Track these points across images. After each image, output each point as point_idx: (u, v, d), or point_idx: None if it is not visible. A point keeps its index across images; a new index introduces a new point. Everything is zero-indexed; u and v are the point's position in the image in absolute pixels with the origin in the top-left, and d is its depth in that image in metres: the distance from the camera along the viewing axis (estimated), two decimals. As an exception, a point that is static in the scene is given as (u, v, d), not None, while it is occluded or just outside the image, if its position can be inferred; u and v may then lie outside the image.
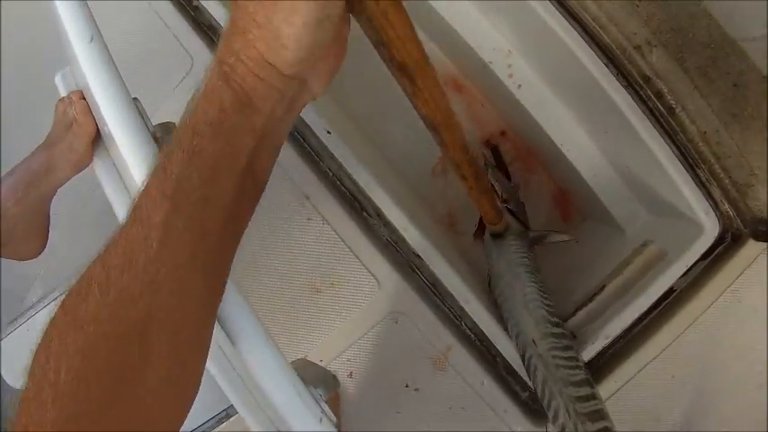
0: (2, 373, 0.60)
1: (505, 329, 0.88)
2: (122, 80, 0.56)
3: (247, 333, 0.45)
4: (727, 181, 0.91)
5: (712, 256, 0.90)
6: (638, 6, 0.86)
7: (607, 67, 0.89)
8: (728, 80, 0.82)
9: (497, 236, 0.95)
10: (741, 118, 0.84)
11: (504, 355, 0.87)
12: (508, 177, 1.19)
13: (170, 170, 0.35)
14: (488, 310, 0.89)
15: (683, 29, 0.83)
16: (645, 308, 0.87)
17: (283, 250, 0.89)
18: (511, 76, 1.06)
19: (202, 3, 0.87)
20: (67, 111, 0.60)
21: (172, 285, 0.34)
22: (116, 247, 0.34)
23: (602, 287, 0.91)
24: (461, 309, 0.88)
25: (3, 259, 0.65)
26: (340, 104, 1.12)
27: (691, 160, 0.90)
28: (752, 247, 0.88)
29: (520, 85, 1.05)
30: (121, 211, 0.58)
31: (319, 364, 0.85)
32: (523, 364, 0.83)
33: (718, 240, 0.89)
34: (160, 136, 0.61)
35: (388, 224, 0.88)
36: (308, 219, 0.89)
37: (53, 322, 0.34)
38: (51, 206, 0.70)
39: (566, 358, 0.76)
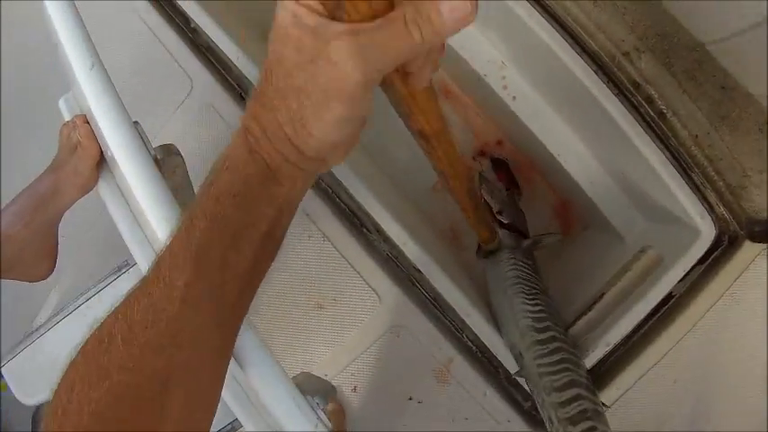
0: (13, 390, 0.62)
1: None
2: (123, 105, 0.58)
3: (247, 347, 0.47)
4: (721, 183, 0.91)
5: (710, 259, 0.90)
6: (624, 14, 0.88)
7: (597, 74, 0.91)
8: (715, 83, 0.83)
9: (491, 253, 0.96)
10: (729, 120, 0.85)
11: (505, 365, 0.88)
12: (517, 186, 1.20)
13: (193, 235, 0.37)
14: (489, 322, 0.89)
15: (668, 34, 0.85)
16: (644, 314, 0.87)
17: (285, 268, 0.91)
18: (505, 87, 1.07)
19: (200, 25, 0.90)
20: (72, 135, 0.62)
21: (192, 341, 0.37)
22: (139, 303, 0.36)
23: (602, 295, 0.92)
24: (462, 321, 0.88)
25: (13, 281, 0.68)
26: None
27: (684, 164, 0.91)
28: (749, 249, 0.88)
29: (515, 97, 1.07)
30: (126, 232, 0.60)
31: (333, 386, 0.86)
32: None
33: (715, 244, 0.89)
34: (161, 158, 0.63)
35: (387, 239, 0.89)
36: (309, 236, 0.90)
37: (74, 366, 0.36)
38: (59, 229, 0.72)
39: (551, 363, 0.75)
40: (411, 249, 0.88)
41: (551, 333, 0.79)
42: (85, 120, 0.62)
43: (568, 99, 1.00)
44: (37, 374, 0.64)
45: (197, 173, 0.90)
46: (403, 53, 0.34)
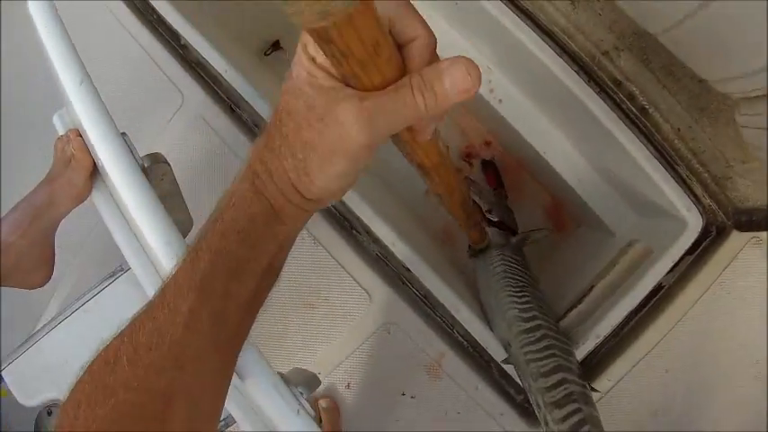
0: (13, 392, 0.65)
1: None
2: (111, 117, 0.61)
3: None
4: (705, 175, 0.92)
5: (698, 250, 0.91)
6: (600, 14, 0.89)
7: (579, 74, 0.92)
8: (693, 76, 0.84)
9: (481, 251, 0.98)
10: (709, 111, 0.87)
11: (497, 360, 0.89)
12: (502, 186, 1.22)
13: (197, 267, 0.39)
14: (479, 317, 0.91)
15: (645, 32, 0.86)
16: (634, 305, 0.88)
17: (278, 270, 0.93)
18: (492, 91, 1.10)
19: (190, 42, 0.93)
20: (66, 148, 0.65)
21: (193, 363, 0.38)
22: (144, 326, 0.38)
23: (591, 288, 0.93)
24: (452, 317, 0.90)
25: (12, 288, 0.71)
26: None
27: (669, 158, 0.92)
28: (736, 239, 0.89)
29: (501, 100, 1.09)
30: (119, 238, 0.63)
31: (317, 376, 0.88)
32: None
33: (703, 234, 0.90)
34: (148, 166, 0.66)
35: (376, 240, 0.92)
36: (301, 239, 0.93)
37: (81, 385, 0.38)
38: (57, 238, 0.76)
39: (537, 350, 0.77)
40: (400, 249, 0.90)
41: (537, 322, 0.80)
42: (78, 134, 0.66)
43: (553, 100, 1.02)
44: (36, 376, 0.67)
45: (189, 183, 0.93)
46: (408, 119, 0.36)
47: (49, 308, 0.94)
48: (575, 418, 0.68)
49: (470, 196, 1.08)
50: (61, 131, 0.68)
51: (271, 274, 0.43)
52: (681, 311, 0.88)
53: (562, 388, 0.71)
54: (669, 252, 0.89)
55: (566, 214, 1.26)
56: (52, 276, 0.76)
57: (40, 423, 0.87)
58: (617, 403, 0.87)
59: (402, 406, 0.90)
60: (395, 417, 0.90)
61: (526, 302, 0.84)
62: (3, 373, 0.66)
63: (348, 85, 0.35)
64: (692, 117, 0.90)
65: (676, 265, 0.89)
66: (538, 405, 0.71)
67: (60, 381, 0.67)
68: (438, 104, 0.35)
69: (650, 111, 0.92)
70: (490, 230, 1.00)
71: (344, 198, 0.93)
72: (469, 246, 1.04)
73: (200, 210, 0.80)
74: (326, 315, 0.91)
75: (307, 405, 0.52)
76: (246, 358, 0.49)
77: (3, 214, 0.68)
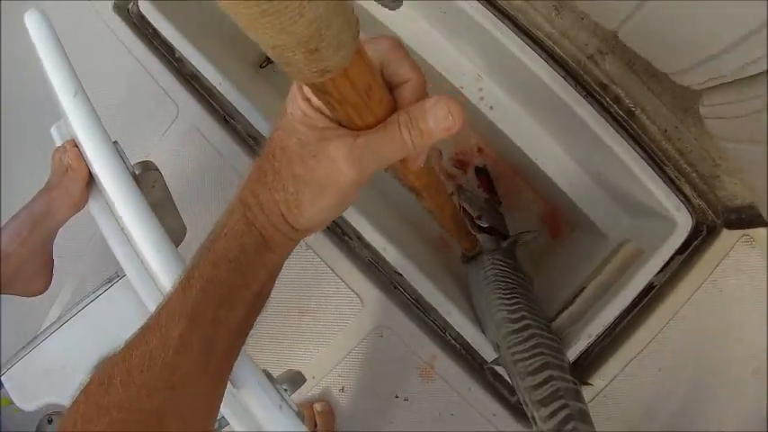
0: (12, 397, 0.67)
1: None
2: (103, 127, 0.63)
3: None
4: (694, 175, 0.93)
5: (689, 249, 0.92)
6: (582, 18, 0.91)
7: (566, 79, 0.94)
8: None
9: (473, 257, 0.99)
10: (693, 111, 0.88)
11: (488, 361, 0.90)
12: (495, 192, 1.24)
13: (189, 294, 0.40)
14: (471, 320, 0.92)
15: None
16: (625, 305, 0.89)
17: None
18: (482, 98, 1.11)
19: (184, 55, 0.96)
20: (63, 158, 0.67)
21: (183, 384, 0.40)
22: (137, 349, 0.40)
23: (582, 289, 0.93)
24: (444, 320, 0.91)
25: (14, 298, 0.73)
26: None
27: (657, 159, 0.93)
28: (726, 237, 0.90)
29: (491, 107, 1.11)
30: (115, 244, 0.65)
31: (311, 380, 0.89)
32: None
33: (693, 234, 0.91)
34: (139, 173, 0.68)
35: (368, 246, 0.93)
36: (295, 246, 0.94)
37: (77, 405, 0.40)
38: (55, 246, 0.78)
39: (525, 350, 0.77)
40: (391, 254, 0.91)
41: (526, 322, 0.81)
42: (74, 144, 0.68)
43: (542, 105, 1.03)
44: (34, 381, 0.69)
45: (184, 193, 0.96)
46: (395, 156, 0.38)
47: (50, 315, 0.96)
48: (561, 415, 0.68)
49: (460, 207, 1.10)
50: (59, 142, 0.70)
51: (260, 300, 0.45)
52: (672, 310, 0.89)
53: (549, 385, 0.71)
54: (660, 252, 0.90)
55: (560, 220, 1.26)
56: (51, 284, 0.78)
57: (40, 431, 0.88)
58: (612, 402, 0.87)
59: (396, 408, 0.90)
60: (389, 419, 0.91)
61: (515, 304, 0.85)
62: (2, 379, 0.68)
63: (341, 125, 0.37)
64: (677, 117, 0.91)
65: (667, 264, 0.90)
66: (526, 404, 0.72)
67: (58, 385, 0.69)
68: (424, 141, 0.37)
69: (637, 113, 0.93)
70: (481, 236, 1.01)
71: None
72: (462, 253, 1.05)
73: (195, 219, 0.83)
74: (319, 320, 0.93)
75: (291, 401, 0.53)
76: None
77: (3, 223, 0.71)
